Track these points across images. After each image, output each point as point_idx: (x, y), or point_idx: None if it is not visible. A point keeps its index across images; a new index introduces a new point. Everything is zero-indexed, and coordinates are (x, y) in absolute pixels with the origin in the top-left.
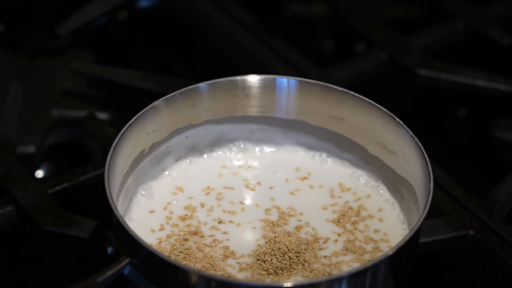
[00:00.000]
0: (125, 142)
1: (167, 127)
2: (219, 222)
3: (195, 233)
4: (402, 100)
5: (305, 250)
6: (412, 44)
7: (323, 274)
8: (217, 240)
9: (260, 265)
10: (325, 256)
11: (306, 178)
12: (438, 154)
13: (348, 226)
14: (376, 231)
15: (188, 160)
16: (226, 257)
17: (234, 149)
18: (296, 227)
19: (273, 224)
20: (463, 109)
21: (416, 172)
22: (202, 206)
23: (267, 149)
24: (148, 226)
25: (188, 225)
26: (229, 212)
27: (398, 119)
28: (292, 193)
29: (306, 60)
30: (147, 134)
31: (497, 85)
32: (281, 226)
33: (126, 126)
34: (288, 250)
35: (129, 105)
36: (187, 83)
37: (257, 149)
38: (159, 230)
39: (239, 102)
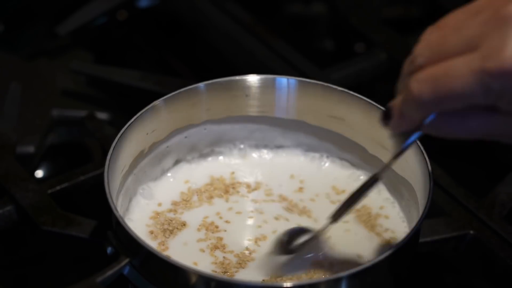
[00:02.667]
0: (125, 142)
1: (166, 127)
2: (217, 223)
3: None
4: None
5: None
6: (412, 44)
7: None
8: (212, 241)
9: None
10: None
11: (305, 178)
12: (438, 154)
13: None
14: (376, 231)
15: (187, 160)
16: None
17: (233, 149)
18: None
19: (275, 220)
20: None
21: (416, 172)
22: (202, 206)
23: (267, 149)
24: (148, 227)
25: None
26: (227, 211)
27: None
28: (292, 194)
29: (306, 60)
30: (147, 134)
31: None
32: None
33: (126, 126)
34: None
35: (129, 105)
36: (187, 83)
37: (256, 149)
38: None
39: (239, 102)
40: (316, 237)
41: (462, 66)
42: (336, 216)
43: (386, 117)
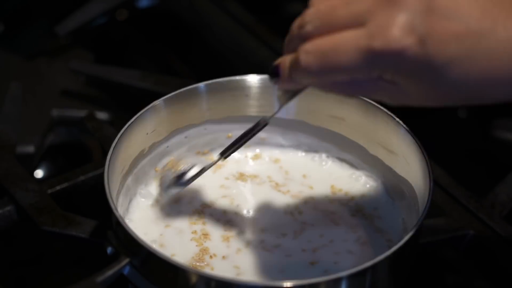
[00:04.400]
0: (125, 142)
1: (166, 127)
2: (217, 220)
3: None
4: None
5: None
6: None
7: None
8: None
9: None
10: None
11: (305, 178)
12: (438, 154)
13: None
14: (376, 231)
15: (187, 160)
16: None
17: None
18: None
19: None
20: (463, 109)
21: (416, 172)
22: (201, 206)
23: (267, 149)
24: (148, 226)
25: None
26: (225, 210)
27: (398, 119)
28: (292, 193)
29: None
30: (147, 134)
31: None
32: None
33: (125, 126)
34: None
35: (128, 105)
36: (187, 83)
37: (256, 149)
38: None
39: (239, 102)
40: (204, 171)
41: (349, 42)
42: (225, 153)
43: (274, 75)
